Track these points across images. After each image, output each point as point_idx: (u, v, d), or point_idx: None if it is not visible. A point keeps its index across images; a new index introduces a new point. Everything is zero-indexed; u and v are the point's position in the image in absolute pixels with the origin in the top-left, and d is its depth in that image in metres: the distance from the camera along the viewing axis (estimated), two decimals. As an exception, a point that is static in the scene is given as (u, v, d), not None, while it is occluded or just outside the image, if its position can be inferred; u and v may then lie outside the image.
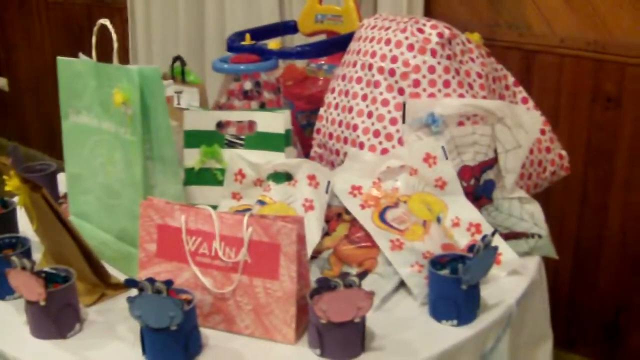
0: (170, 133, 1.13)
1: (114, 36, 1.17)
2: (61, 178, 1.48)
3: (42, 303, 0.98)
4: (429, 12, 2.12)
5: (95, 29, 1.23)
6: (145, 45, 2.69)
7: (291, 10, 2.25)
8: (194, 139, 1.30)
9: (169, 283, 0.91)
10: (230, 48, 1.59)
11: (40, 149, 3.91)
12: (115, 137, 1.16)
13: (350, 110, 1.36)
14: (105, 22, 1.19)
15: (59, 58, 1.28)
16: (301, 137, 1.52)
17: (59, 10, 3.46)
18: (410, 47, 1.32)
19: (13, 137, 4.10)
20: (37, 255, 1.21)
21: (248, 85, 1.47)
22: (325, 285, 0.94)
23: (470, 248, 1.05)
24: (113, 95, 1.13)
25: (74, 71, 1.25)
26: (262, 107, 1.46)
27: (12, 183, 1.09)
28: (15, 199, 1.35)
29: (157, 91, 1.11)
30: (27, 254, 1.15)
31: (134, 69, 1.10)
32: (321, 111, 1.44)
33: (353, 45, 1.43)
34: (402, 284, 1.14)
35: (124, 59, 3.02)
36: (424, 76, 1.31)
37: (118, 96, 1.12)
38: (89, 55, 1.26)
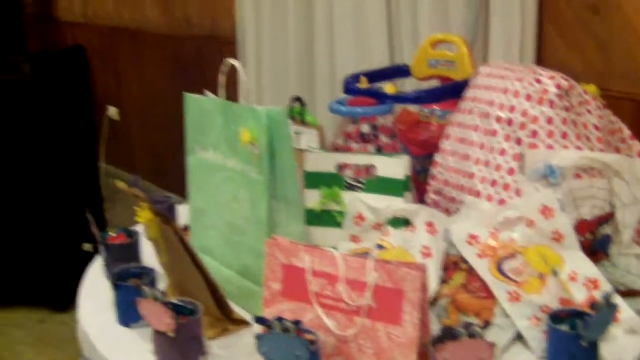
0: (294, 174, 1.17)
1: (243, 77, 1.22)
2: (180, 211, 1.54)
3: (171, 334, 1.03)
4: (540, 60, 2.12)
5: (224, 68, 1.28)
6: (255, 81, 2.76)
7: (401, 53, 2.28)
8: (314, 180, 1.34)
9: (297, 323, 0.94)
10: (347, 90, 1.63)
11: (146, 177, 4.05)
12: (242, 175, 1.21)
13: (467, 158, 1.38)
14: (235, 63, 1.25)
15: (187, 95, 1.35)
16: (415, 182, 1.54)
17: (170, 43, 3.60)
18: (529, 98, 1.33)
19: (121, 165, 4.27)
20: (160, 286, 1.26)
21: (366, 128, 1.50)
22: (448, 334, 0.95)
23: (591, 304, 1.04)
24: (240, 135, 1.18)
25: (202, 108, 1.31)
26: (379, 151, 1.49)
27: (144, 215, 1.15)
28: (139, 229, 1.42)
29: (283, 132, 1.16)
30: (152, 284, 1.20)
31: (262, 110, 1.14)
32: (437, 158, 1.46)
33: (470, 93, 1.45)
34: (519, 337, 1.14)
35: (232, 92, 3.12)
36: (542, 127, 1.31)
37: (245, 136, 1.16)
38: (208, 90, 1.31)
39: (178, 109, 3.59)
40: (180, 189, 3.60)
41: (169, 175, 3.82)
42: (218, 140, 1.26)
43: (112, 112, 4.22)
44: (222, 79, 1.25)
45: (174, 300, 1.09)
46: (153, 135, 3.93)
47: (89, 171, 3.41)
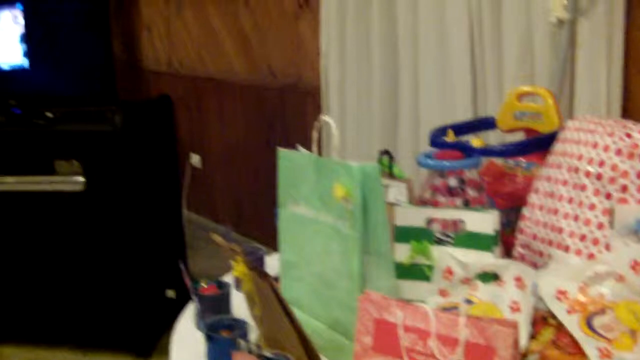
0: (386, 229, 1.21)
1: (335, 132, 1.27)
2: (267, 261, 1.59)
3: (266, 385, 1.07)
4: (626, 112, 2.11)
5: (318, 124, 1.33)
6: (338, 132, 2.81)
7: (485, 105, 2.30)
8: (404, 234, 1.38)
9: (391, 377, 0.97)
10: (433, 143, 1.67)
11: (228, 223, 4.14)
12: (334, 229, 1.25)
13: (556, 212, 1.39)
14: (328, 119, 1.30)
15: (280, 150, 1.40)
16: (501, 235, 1.55)
17: (253, 92, 3.70)
18: (618, 152, 1.34)
19: (202, 212, 4.37)
20: (251, 338, 1.30)
21: (453, 182, 1.53)
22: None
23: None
24: (333, 190, 1.22)
25: (295, 163, 1.36)
26: (466, 204, 1.52)
27: (239, 269, 1.20)
28: (229, 280, 1.48)
29: (376, 188, 1.20)
30: (244, 336, 1.25)
31: (355, 166, 1.19)
32: (525, 211, 1.48)
33: (558, 147, 1.47)
34: (611, 395, 1.14)
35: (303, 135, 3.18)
36: (632, 181, 1.32)
37: (339, 191, 1.21)
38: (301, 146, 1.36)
39: (260, 157, 3.71)
40: (260, 236, 3.69)
41: (249, 222, 3.90)
42: (310, 194, 1.31)
43: (195, 159, 4.34)
44: (315, 135, 1.30)
45: (268, 353, 1.13)
46: (234, 183, 4.02)
47: (172, 218, 3.50)
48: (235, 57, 3.82)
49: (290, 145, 3.36)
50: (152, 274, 3.18)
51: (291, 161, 1.37)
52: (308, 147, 3.18)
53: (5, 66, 3.50)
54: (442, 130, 1.72)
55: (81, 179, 3.16)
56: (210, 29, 3.98)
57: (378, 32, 2.58)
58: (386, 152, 1.61)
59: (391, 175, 1.59)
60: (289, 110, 3.42)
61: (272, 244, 3.47)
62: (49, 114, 3.60)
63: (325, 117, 1.27)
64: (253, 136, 3.75)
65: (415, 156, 1.62)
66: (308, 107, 3.26)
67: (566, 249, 1.35)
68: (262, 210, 3.77)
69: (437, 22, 2.37)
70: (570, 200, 1.38)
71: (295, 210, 1.36)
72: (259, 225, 3.79)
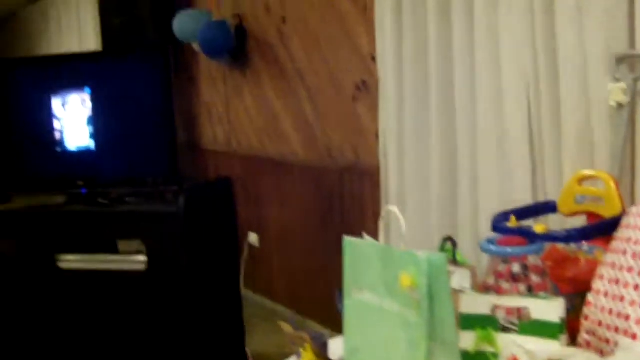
0: (453, 317, 1.24)
1: (402, 221, 1.31)
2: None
3: None
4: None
5: (384, 213, 1.38)
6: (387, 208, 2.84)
7: (544, 188, 2.31)
8: (469, 322, 1.40)
9: None
10: (495, 228, 1.69)
11: (282, 302, 4.17)
12: (399, 317, 1.28)
13: (622, 299, 1.40)
14: (394, 209, 1.34)
15: (346, 239, 1.44)
16: (566, 321, 1.56)
17: (312, 173, 3.77)
18: (683, 240, 1.35)
19: (258, 290, 4.41)
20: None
21: (516, 268, 1.55)
22: None
23: None
24: (400, 279, 1.25)
25: (360, 252, 1.40)
26: (530, 290, 1.53)
27: (308, 357, 1.23)
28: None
29: (442, 278, 1.23)
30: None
31: (423, 256, 1.22)
32: (590, 297, 1.49)
33: (622, 233, 1.48)
34: None
35: (373, 220, 3.22)
36: (699, 270, 1.33)
37: (405, 280, 1.24)
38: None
39: (317, 237, 3.75)
40: (315, 315, 3.70)
41: (305, 301, 3.92)
42: (376, 282, 1.34)
43: (253, 238, 4.40)
44: (381, 225, 1.34)
45: None
46: (291, 262, 4.06)
47: (230, 296, 3.55)
48: (294, 138, 3.91)
49: (348, 225, 3.41)
50: (210, 352, 3.21)
51: (357, 249, 1.40)
52: (366, 227, 3.21)
53: (73, 148, 3.64)
54: (504, 215, 1.74)
55: (143, 258, 3.25)
56: (270, 110, 4.09)
57: (436, 115, 2.63)
58: (449, 239, 1.64)
59: (454, 261, 1.62)
60: (347, 191, 3.47)
61: (329, 324, 3.50)
62: (114, 194, 3.72)
63: (391, 207, 1.31)
64: (311, 216, 3.80)
65: (477, 241, 1.64)
66: (366, 187, 3.31)
67: (633, 336, 1.35)
68: (318, 289, 3.80)
69: (495, 106, 2.41)
70: (636, 288, 1.38)
71: (360, 298, 1.39)
72: (315, 305, 3.80)
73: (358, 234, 1.41)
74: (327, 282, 3.71)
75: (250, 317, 3.80)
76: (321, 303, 3.74)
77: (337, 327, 3.34)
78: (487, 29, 2.39)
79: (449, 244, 1.63)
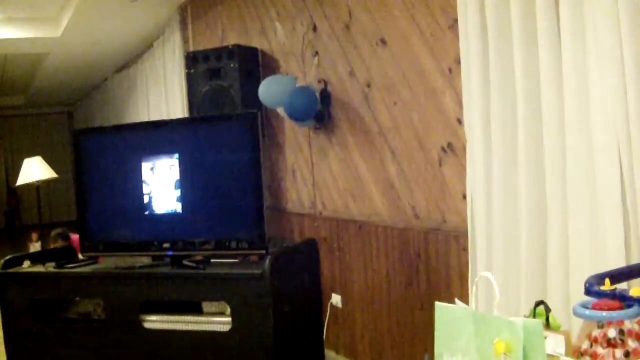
0: (549, 384, 1.22)
1: (496, 288, 1.31)
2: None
3: None
4: None
5: (476, 280, 1.38)
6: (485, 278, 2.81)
7: (639, 249, 2.26)
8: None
9: None
10: (589, 292, 1.66)
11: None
12: (493, 383, 1.27)
13: None
14: (488, 275, 1.34)
15: (438, 304, 1.45)
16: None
17: (396, 234, 3.78)
18: None
19: (340, 351, 4.40)
20: None
21: (612, 332, 1.52)
22: None
23: None
24: (494, 345, 1.25)
25: (452, 316, 1.40)
26: (627, 356, 1.50)
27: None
28: None
29: (538, 344, 1.22)
30: None
31: (518, 322, 1.22)
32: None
33: None
34: None
35: (459, 283, 3.20)
36: None
37: (499, 346, 1.24)
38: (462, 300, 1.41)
39: (401, 298, 3.73)
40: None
41: (390, 361, 3.90)
42: (468, 347, 1.34)
43: (336, 299, 4.41)
44: (474, 290, 1.34)
45: None
46: (374, 323, 4.05)
47: (314, 357, 3.55)
48: (379, 200, 3.94)
49: (433, 287, 3.40)
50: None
51: (448, 313, 1.41)
52: (452, 290, 3.19)
53: (161, 211, 3.74)
54: (598, 278, 1.71)
55: (227, 319, 3.29)
56: (354, 172, 4.14)
57: (524, 176, 2.61)
58: (541, 303, 1.62)
59: (547, 326, 1.59)
60: (432, 253, 3.46)
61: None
62: (199, 257, 3.80)
63: (485, 274, 1.31)
64: (395, 277, 3.80)
65: (570, 305, 1.62)
66: (452, 249, 3.30)
67: None
68: (403, 351, 3.77)
69: (586, 165, 2.38)
70: None
71: (453, 362, 1.39)
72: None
73: (443, 297, 1.42)
74: (412, 343, 3.68)
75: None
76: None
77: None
78: (576, 86, 2.38)
79: (542, 308, 1.61)
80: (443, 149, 3.37)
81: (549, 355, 1.50)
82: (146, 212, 3.78)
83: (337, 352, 4.45)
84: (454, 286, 3.24)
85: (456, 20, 3.02)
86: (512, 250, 2.69)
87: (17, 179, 6.77)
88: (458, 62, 3.02)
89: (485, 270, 2.80)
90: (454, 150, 3.29)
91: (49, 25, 7.23)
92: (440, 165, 3.40)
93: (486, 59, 2.79)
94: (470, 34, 2.85)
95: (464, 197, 3.06)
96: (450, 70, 3.27)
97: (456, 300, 1.43)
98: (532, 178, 2.59)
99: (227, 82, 5.07)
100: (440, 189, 3.41)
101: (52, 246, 5.65)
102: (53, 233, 5.92)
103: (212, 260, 3.68)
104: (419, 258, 3.58)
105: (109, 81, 10.63)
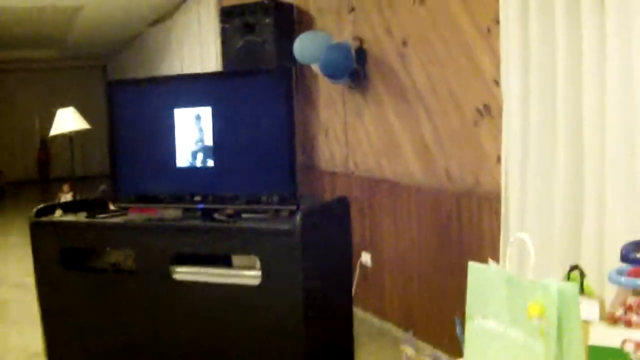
0: (581, 349, 1.21)
1: (531, 250, 1.29)
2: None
3: None
4: None
5: (510, 241, 1.36)
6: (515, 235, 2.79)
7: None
8: (598, 354, 1.36)
9: None
10: (625, 259, 1.64)
11: (394, 322, 4.17)
12: (524, 347, 1.26)
13: None
14: (524, 237, 1.31)
15: (471, 264, 1.43)
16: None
17: (428, 195, 3.76)
18: None
19: (369, 310, 4.42)
20: None
21: (647, 300, 1.49)
22: None
23: None
24: (528, 308, 1.23)
25: (485, 278, 1.39)
26: (662, 324, 1.48)
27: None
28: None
29: (573, 308, 1.20)
30: None
31: (553, 285, 1.20)
32: None
33: None
34: None
35: (491, 246, 3.18)
36: None
37: (533, 309, 1.22)
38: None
39: (432, 260, 3.72)
40: (429, 337, 3.67)
41: (418, 322, 3.90)
42: (500, 309, 1.33)
43: (366, 258, 4.42)
44: (508, 251, 1.32)
45: None
46: (404, 284, 4.05)
47: (342, 314, 3.57)
48: (412, 160, 3.91)
49: (465, 250, 3.38)
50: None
51: (482, 276, 1.39)
52: (483, 253, 3.17)
53: (192, 164, 3.75)
54: (634, 246, 1.69)
55: (257, 273, 3.30)
56: (388, 132, 4.11)
57: (562, 141, 2.57)
58: (576, 267, 1.60)
59: (581, 291, 1.57)
60: (465, 215, 3.44)
61: (442, 347, 3.47)
62: (230, 211, 3.81)
63: (521, 235, 1.29)
64: (426, 239, 3.79)
65: (604, 271, 1.60)
66: (484, 213, 3.27)
67: None
68: (432, 312, 3.77)
69: (625, 131, 2.34)
70: None
71: (483, 324, 1.38)
72: (429, 327, 3.78)
73: (475, 259, 1.40)
74: (442, 305, 3.68)
75: (360, 335, 3.82)
76: (435, 325, 3.72)
77: (451, 350, 3.32)
78: (618, 49, 2.33)
79: (576, 273, 1.59)
80: (479, 110, 3.32)
81: (583, 321, 1.48)
82: (178, 165, 3.79)
83: (366, 310, 4.47)
84: (486, 250, 3.22)
85: (497, -22, 2.96)
86: (546, 214, 2.66)
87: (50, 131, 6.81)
88: (497, 21, 2.97)
89: (517, 234, 2.77)
90: (489, 111, 3.25)
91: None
92: (475, 126, 3.36)
93: (526, 19, 2.73)
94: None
95: (499, 159, 3.03)
96: (488, 29, 3.21)
97: (489, 260, 1.41)
98: (570, 141, 2.55)
99: (261, 37, 5.03)
100: (475, 150, 3.37)
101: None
102: (101, 187, 5.94)
103: (243, 215, 3.69)
104: (451, 221, 3.56)
105: (143, 35, 10.63)
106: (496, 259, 3.02)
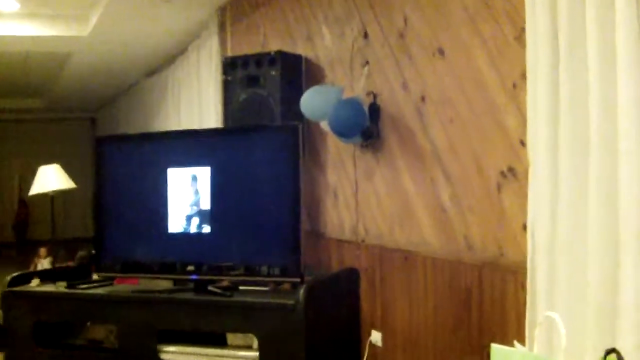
0: None
1: (562, 331, 1.27)
2: None
3: None
4: None
5: (539, 321, 1.34)
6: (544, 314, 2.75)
7: None
8: None
9: None
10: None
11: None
12: None
13: None
14: (554, 316, 1.30)
15: (495, 346, 1.41)
16: None
17: (446, 267, 3.73)
18: None
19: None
20: None
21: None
22: None
23: None
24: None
25: (508, 360, 1.36)
26: None
27: None
28: None
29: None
30: None
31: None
32: None
33: None
34: None
35: (516, 325, 3.14)
36: None
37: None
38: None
39: (449, 340, 3.68)
40: None
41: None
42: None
43: (375, 337, 4.36)
44: (536, 332, 1.31)
45: None
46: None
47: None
48: (428, 227, 3.90)
49: (486, 329, 3.34)
50: None
51: (507, 359, 1.37)
52: (507, 333, 3.13)
53: (186, 230, 3.74)
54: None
55: (254, 354, 3.27)
56: (402, 196, 4.11)
57: (595, 206, 2.55)
58: (613, 351, 1.58)
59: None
60: (487, 290, 3.41)
61: None
62: (226, 282, 3.79)
63: (550, 314, 1.27)
64: (443, 316, 3.75)
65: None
66: (509, 287, 3.24)
67: None
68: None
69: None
70: None
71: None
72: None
73: (498, 341, 1.38)
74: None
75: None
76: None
77: None
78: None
79: (613, 357, 1.56)
80: (503, 173, 3.32)
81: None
82: (170, 231, 3.79)
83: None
84: (511, 330, 3.17)
85: (523, 30, 2.98)
86: (579, 289, 2.63)
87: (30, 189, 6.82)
88: (524, 76, 2.98)
89: (546, 311, 2.74)
90: (515, 174, 3.24)
91: (76, 23, 7.33)
92: (499, 191, 3.35)
93: (556, 73, 2.75)
94: (540, 44, 2.81)
95: (525, 227, 3.01)
96: (514, 85, 3.23)
97: (515, 343, 1.39)
98: (604, 209, 2.53)
99: (266, 90, 5.07)
100: (498, 217, 3.36)
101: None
102: (79, 255, 5.93)
103: (240, 287, 3.67)
104: (471, 296, 3.53)
105: (137, 86, 10.75)
106: (522, 340, 2.98)
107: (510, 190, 3.29)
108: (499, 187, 3.35)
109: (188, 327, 3.51)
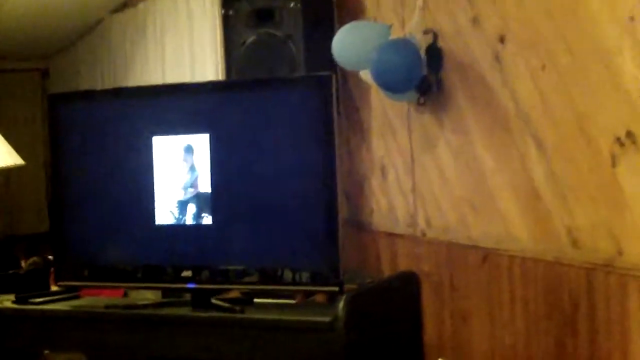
0: None
1: None
2: None
3: None
4: None
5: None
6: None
7: None
8: None
9: None
10: None
11: None
12: None
13: None
14: None
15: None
16: None
17: (542, 270, 3.73)
18: None
19: None
20: None
21: None
22: None
23: None
24: None
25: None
26: None
27: None
28: None
29: None
30: None
31: None
32: None
33: None
34: None
35: None
36: None
37: None
38: None
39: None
40: None
41: None
42: None
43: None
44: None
45: None
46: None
47: None
48: (514, 216, 3.89)
49: (601, 353, 3.33)
50: None
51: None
52: (629, 357, 3.12)
53: (179, 221, 3.73)
54: None
55: (280, 388, 3.28)
56: (477, 173, 4.11)
57: None
58: None
59: None
60: (600, 300, 3.40)
61: None
62: (236, 293, 3.78)
63: None
64: (538, 337, 3.74)
65: None
66: (630, 296, 3.23)
67: None
68: None
69: None
70: None
71: None
72: None
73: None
74: None
75: None
76: None
77: None
78: None
79: None
80: (619, 141, 3.29)
81: None
82: (157, 223, 3.78)
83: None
84: (633, 350, 3.17)
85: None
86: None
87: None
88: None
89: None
90: (636, 142, 3.21)
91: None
92: (613, 165, 3.32)
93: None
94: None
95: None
96: (632, 18, 3.19)
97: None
98: None
99: (283, 30, 5.06)
100: (614, 202, 3.34)
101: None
102: (28, 262, 5.97)
103: (255, 300, 3.66)
104: (578, 310, 3.52)
105: (104, 25, 10.74)
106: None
107: (629, 164, 3.26)
108: (614, 160, 3.32)
109: (183, 354, 3.50)
